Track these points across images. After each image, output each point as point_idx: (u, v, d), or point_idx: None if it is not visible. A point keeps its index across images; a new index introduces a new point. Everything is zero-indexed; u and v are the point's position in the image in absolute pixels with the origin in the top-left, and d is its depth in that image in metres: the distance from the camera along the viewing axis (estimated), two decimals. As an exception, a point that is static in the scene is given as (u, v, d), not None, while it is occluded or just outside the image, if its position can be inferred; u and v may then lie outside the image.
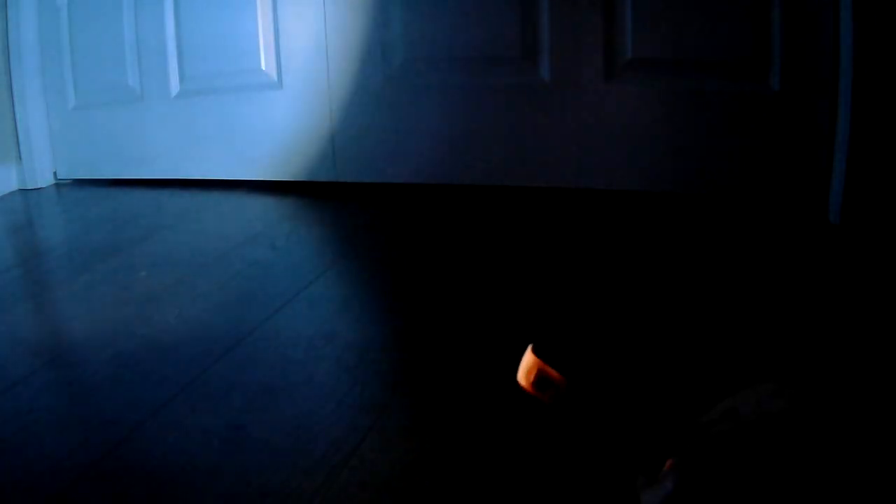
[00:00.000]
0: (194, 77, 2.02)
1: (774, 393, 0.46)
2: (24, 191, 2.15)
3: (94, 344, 1.10)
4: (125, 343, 1.10)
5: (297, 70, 1.91)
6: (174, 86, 2.04)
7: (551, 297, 1.22)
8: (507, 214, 1.70)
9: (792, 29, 1.55)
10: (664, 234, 1.51)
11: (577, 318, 1.11)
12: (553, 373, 0.36)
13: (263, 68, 1.94)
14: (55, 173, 2.22)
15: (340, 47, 1.85)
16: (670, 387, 0.69)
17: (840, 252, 1.38)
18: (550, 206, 1.73)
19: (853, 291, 1.18)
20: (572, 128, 1.74)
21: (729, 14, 1.60)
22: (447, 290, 1.27)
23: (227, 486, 0.75)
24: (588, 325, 1.07)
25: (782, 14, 1.55)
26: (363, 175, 1.91)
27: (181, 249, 1.56)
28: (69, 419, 0.92)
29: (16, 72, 2.10)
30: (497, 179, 1.82)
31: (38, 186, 2.17)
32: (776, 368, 0.75)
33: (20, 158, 2.16)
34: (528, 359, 0.43)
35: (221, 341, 1.09)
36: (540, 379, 0.35)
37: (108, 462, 0.80)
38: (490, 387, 0.90)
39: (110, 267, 1.46)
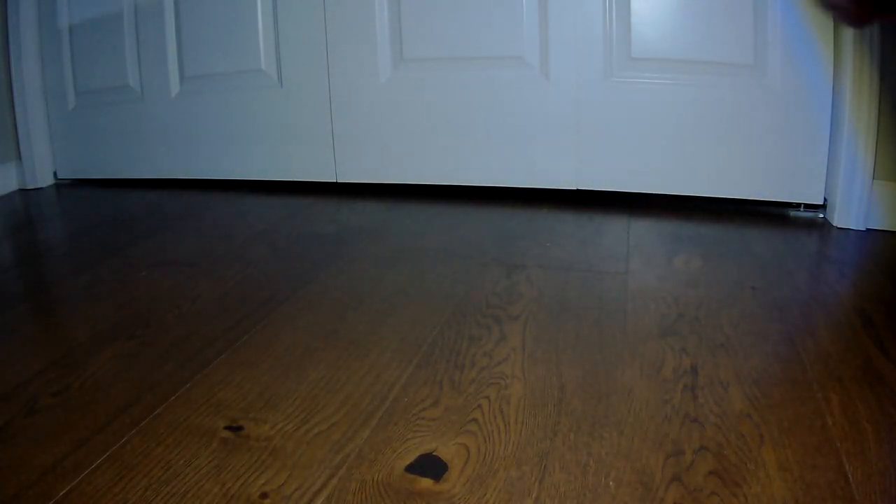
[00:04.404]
0: (194, 77, 2.02)
1: None
2: (24, 191, 2.16)
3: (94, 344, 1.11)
4: (124, 343, 1.10)
5: (297, 70, 1.91)
6: (174, 86, 2.04)
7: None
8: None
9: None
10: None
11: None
12: None
13: (263, 68, 1.94)
14: (55, 173, 2.22)
15: (340, 47, 1.85)
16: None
17: None
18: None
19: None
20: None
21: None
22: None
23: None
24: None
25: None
26: (363, 175, 1.91)
27: (181, 250, 1.56)
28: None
29: (16, 72, 2.10)
30: (499, 180, 1.82)
31: (38, 186, 2.18)
32: None
33: (20, 158, 2.17)
34: None
35: (219, 342, 1.09)
36: None
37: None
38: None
39: (110, 267, 1.46)
